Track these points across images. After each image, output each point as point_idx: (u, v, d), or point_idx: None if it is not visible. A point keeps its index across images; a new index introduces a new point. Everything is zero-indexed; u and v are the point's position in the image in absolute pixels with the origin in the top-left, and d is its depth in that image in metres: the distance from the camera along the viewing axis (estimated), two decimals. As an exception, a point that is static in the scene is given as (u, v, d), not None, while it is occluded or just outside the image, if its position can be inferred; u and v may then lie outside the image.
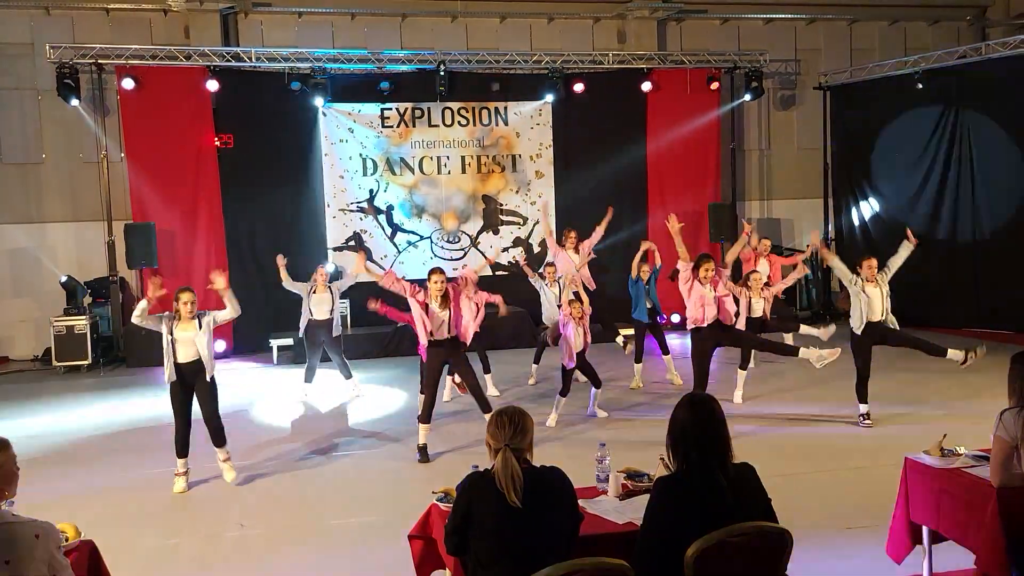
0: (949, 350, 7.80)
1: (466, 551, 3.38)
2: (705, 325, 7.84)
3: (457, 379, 8.32)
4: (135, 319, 6.76)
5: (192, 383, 6.79)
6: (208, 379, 6.79)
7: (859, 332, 7.92)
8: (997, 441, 3.97)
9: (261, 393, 10.54)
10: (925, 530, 4.46)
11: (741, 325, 8.52)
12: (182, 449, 6.84)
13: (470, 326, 7.67)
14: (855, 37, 16.00)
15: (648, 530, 3.38)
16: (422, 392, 7.89)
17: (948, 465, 4.37)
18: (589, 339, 8.45)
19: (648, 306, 9.95)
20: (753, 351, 9.47)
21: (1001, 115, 12.78)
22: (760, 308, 9.31)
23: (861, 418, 8.09)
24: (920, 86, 13.52)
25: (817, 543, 5.19)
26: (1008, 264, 12.80)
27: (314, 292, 9.83)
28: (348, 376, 10.08)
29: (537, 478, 3.35)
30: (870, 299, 7.87)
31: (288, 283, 9.87)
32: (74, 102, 12.50)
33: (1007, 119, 12.69)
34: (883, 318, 7.92)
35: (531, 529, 3.25)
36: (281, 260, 9.78)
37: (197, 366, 6.77)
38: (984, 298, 13.27)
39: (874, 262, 7.98)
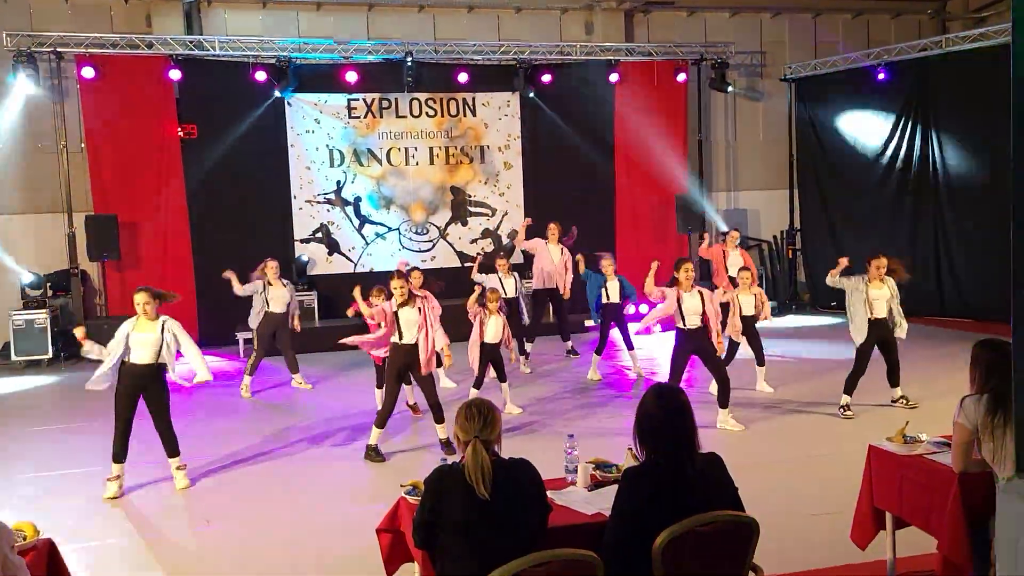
0: (896, 389, 8.33)
1: (434, 544, 3.37)
2: (688, 328, 7.69)
3: (411, 401, 8.47)
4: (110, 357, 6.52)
5: (144, 388, 6.53)
6: (161, 387, 6.57)
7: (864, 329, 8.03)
8: (957, 427, 4.03)
9: (225, 387, 10.42)
10: (888, 516, 4.53)
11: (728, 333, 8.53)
12: (122, 453, 6.55)
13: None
14: (819, 30, 16.15)
15: (616, 520, 3.39)
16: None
17: (910, 452, 4.44)
18: (508, 333, 8.41)
19: (608, 301, 9.98)
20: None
21: (961, 106, 12.99)
22: (751, 304, 8.96)
23: (841, 409, 8.11)
24: (882, 78, 13.71)
25: (783, 530, 5.24)
26: (969, 255, 13.03)
27: (270, 284, 9.90)
28: (296, 371, 10.21)
29: (505, 470, 3.34)
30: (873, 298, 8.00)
31: (242, 290, 9.98)
32: (33, 91, 12.24)
33: (967, 110, 12.90)
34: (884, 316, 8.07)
35: (500, 521, 3.24)
36: (229, 273, 9.97)
37: (150, 371, 6.51)
38: (946, 288, 13.50)
39: (883, 261, 8.04)
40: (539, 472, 3.45)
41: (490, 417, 3.41)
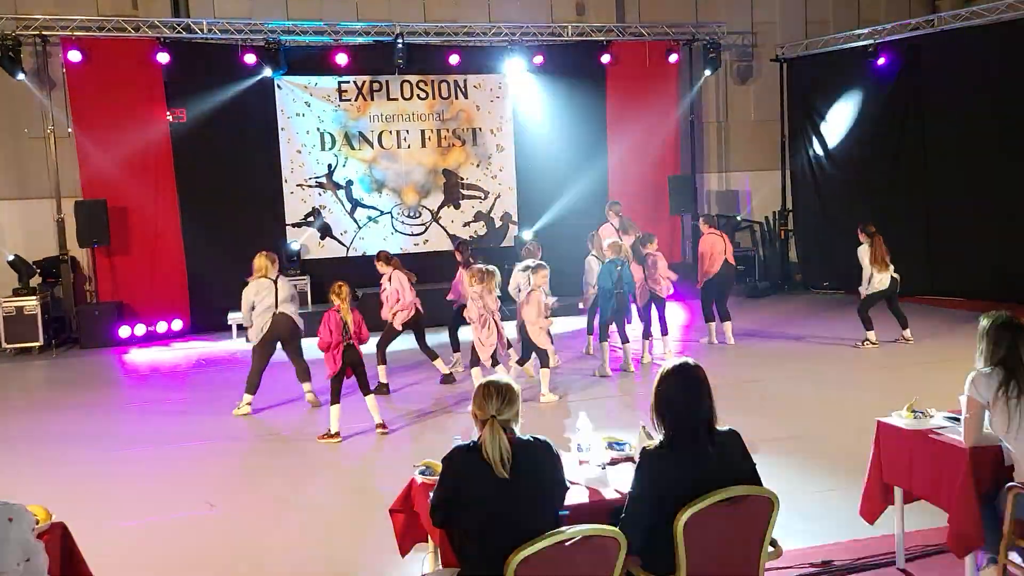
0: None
1: (453, 523, 3.36)
2: None
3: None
4: None
5: None
6: None
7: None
8: (969, 401, 4.04)
9: (218, 371, 10.37)
10: (897, 490, 4.55)
11: None
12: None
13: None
14: (810, 10, 16.11)
15: (636, 498, 3.39)
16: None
17: (920, 427, 4.45)
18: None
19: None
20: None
21: (951, 86, 13.00)
22: None
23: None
24: (873, 57, 13.70)
25: (792, 506, 5.26)
26: (958, 234, 13.09)
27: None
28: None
29: (524, 449, 3.32)
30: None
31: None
32: (19, 76, 12.05)
33: (957, 90, 12.91)
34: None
35: (519, 500, 3.23)
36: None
37: None
38: (936, 267, 13.55)
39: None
40: (557, 451, 3.44)
41: (508, 397, 3.38)
